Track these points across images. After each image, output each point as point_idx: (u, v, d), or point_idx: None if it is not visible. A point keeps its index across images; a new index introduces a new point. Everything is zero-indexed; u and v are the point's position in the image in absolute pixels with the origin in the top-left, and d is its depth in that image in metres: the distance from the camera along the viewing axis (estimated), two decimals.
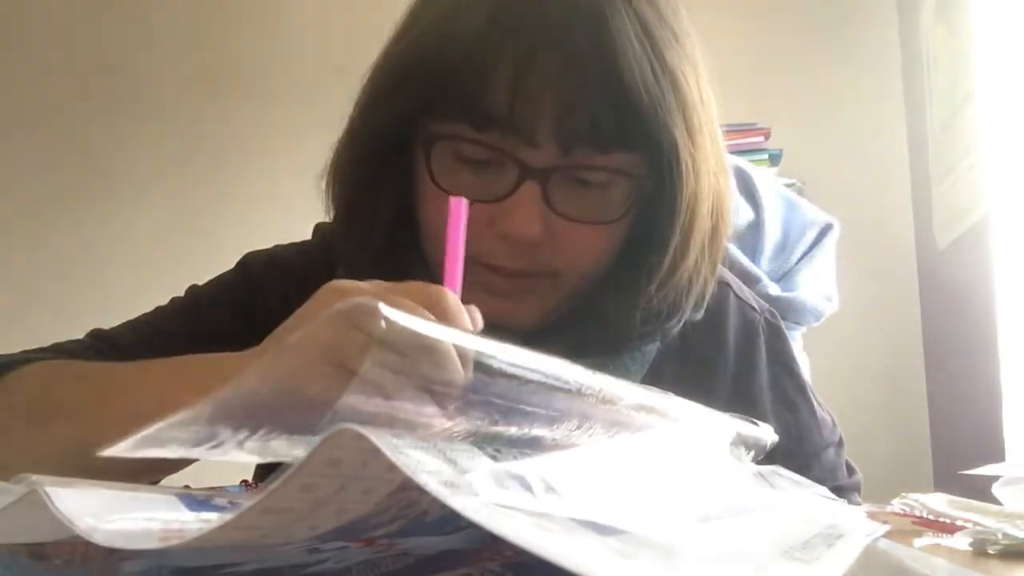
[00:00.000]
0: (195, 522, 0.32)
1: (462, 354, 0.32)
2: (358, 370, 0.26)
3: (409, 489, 0.24)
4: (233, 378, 0.27)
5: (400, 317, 0.26)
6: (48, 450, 0.60)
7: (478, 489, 0.23)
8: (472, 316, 0.50)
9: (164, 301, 0.85)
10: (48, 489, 0.29)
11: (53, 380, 0.67)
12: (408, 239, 0.75)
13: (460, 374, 0.32)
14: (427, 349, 0.30)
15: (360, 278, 0.75)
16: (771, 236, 1.13)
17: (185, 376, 0.59)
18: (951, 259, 2.20)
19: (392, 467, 0.22)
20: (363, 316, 0.26)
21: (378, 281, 0.51)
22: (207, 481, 0.73)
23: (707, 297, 0.78)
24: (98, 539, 0.27)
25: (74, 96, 2.56)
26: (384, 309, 0.25)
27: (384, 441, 0.22)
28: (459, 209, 0.55)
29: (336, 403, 0.27)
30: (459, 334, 0.29)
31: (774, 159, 2.22)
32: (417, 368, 0.29)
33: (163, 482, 0.71)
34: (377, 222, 0.74)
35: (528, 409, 0.32)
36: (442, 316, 0.47)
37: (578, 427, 0.35)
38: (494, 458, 0.27)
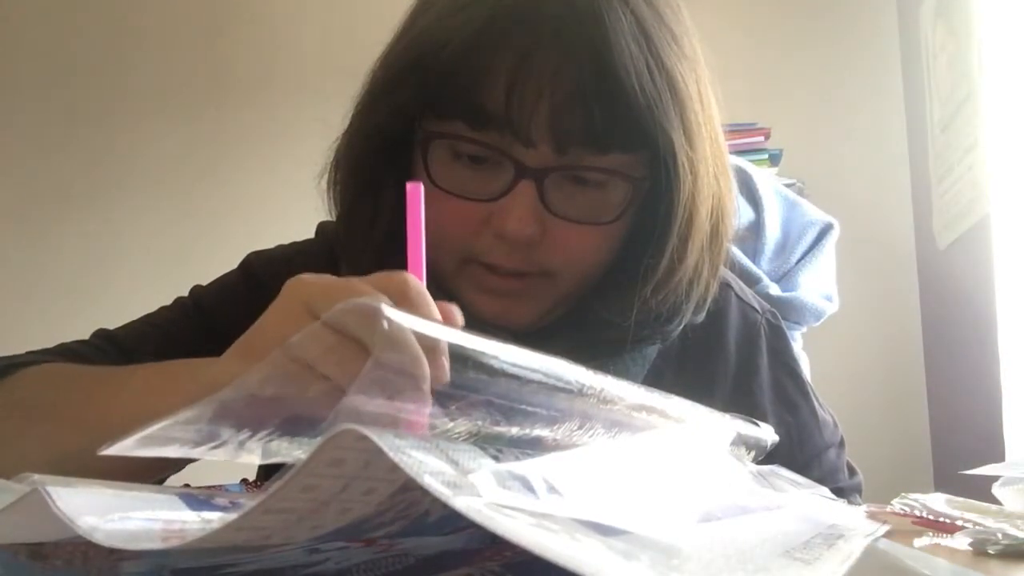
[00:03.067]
0: (196, 522, 0.32)
1: (432, 347, 0.32)
2: (348, 381, 0.26)
3: (411, 489, 0.24)
4: (234, 380, 0.27)
5: (404, 318, 0.25)
6: (37, 453, 0.60)
7: (480, 490, 0.23)
8: (450, 313, 0.49)
9: (166, 300, 0.85)
10: (49, 488, 0.28)
11: (46, 383, 0.67)
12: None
13: (426, 369, 0.31)
14: (394, 344, 0.29)
15: (360, 276, 0.76)
16: (771, 236, 1.13)
17: (166, 384, 0.59)
18: (951, 259, 2.20)
19: (394, 467, 0.22)
20: (364, 318, 0.25)
21: (340, 278, 0.50)
22: (207, 480, 0.73)
23: (708, 300, 0.78)
24: (99, 539, 0.27)
25: (74, 96, 2.56)
26: (386, 310, 0.25)
27: (386, 442, 0.22)
28: (416, 195, 0.53)
29: (337, 405, 0.27)
30: (460, 334, 0.29)
31: (774, 159, 2.22)
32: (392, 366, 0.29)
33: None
34: (378, 221, 0.74)
35: (529, 409, 0.32)
36: (403, 302, 0.46)
37: (579, 427, 0.35)
38: (496, 458, 0.27)
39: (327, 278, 0.51)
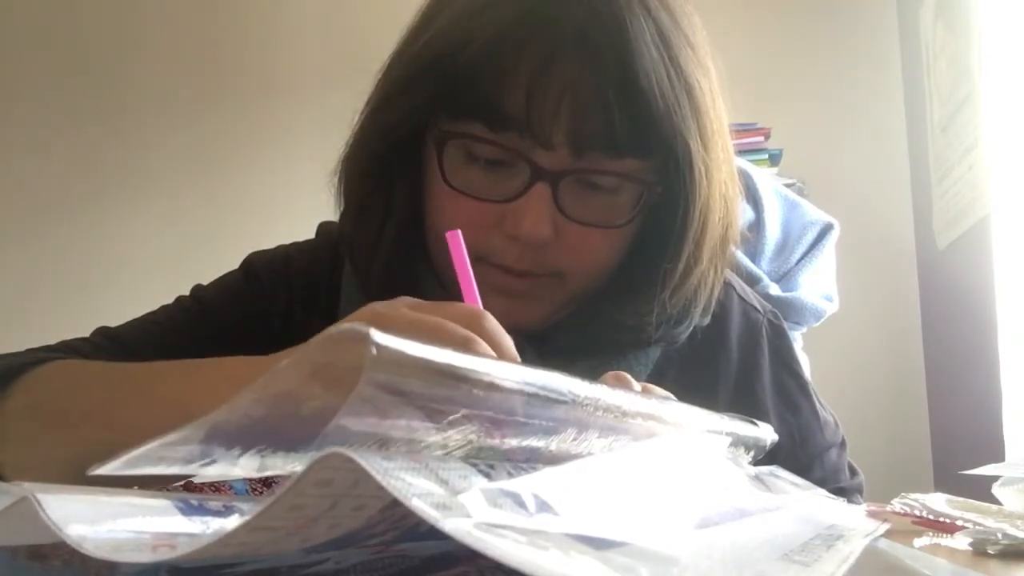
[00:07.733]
0: (187, 531, 0.32)
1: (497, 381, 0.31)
2: (347, 393, 0.26)
3: (401, 504, 0.24)
4: (225, 401, 0.27)
5: (392, 342, 0.25)
6: (70, 454, 0.59)
7: (470, 510, 0.23)
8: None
9: (166, 300, 0.84)
10: (39, 496, 0.28)
11: (73, 382, 0.66)
12: (416, 238, 0.75)
13: (517, 402, 0.31)
14: (473, 379, 0.29)
15: (368, 275, 0.76)
16: (771, 236, 1.13)
17: (203, 381, 0.58)
18: (951, 259, 2.20)
19: (382, 488, 0.22)
20: (354, 341, 0.25)
21: (413, 300, 0.50)
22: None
23: (714, 302, 0.78)
24: (88, 549, 0.27)
25: (74, 95, 2.56)
26: (375, 335, 0.25)
27: (374, 464, 0.22)
28: (457, 240, 0.56)
29: (329, 423, 0.26)
30: (454, 355, 0.28)
31: (774, 159, 2.22)
32: (466, 398, 0.29)
33: None
34: (390, 220, 0.74)
35: (523, 420, 0.32)
36: (486, 338, 0.47)
37: (575, 438, 0.35)
38: (487, 474, 0.27)
39: (400, 305, 0.50)
